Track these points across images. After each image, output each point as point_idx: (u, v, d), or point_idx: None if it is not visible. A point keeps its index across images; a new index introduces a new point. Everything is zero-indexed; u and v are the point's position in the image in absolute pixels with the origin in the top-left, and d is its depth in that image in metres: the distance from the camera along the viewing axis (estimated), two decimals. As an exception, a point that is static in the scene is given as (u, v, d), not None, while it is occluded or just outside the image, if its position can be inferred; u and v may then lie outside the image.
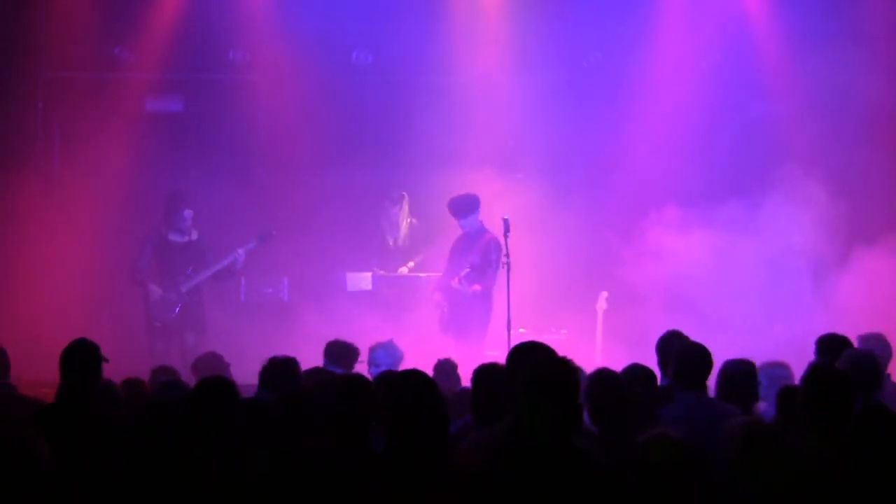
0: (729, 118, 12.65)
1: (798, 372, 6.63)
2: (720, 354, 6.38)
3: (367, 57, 12.76)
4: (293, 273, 12.43)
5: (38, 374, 8.29)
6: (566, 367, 4.45)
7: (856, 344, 7.21)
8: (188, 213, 11.37)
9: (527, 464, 4.12)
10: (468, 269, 10.89)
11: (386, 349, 8.14)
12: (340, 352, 7.66)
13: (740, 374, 6.06)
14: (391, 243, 12.27)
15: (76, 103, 12.42)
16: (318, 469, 3.97)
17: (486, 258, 10.92)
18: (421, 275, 12.15)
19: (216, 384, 5.16)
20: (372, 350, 8.18)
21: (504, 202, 11.26)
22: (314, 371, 6.86)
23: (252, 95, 12.82)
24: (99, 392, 5.89)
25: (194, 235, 11.49)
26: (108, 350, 6.28)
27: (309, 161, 12.55)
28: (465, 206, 11.05)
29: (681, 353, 6.03)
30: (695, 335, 6.58)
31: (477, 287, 10.89)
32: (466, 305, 10.94)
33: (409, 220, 12.28)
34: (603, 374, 5.59)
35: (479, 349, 10.57)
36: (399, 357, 8.08)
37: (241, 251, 11.36)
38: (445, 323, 11.10)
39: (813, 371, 5.36)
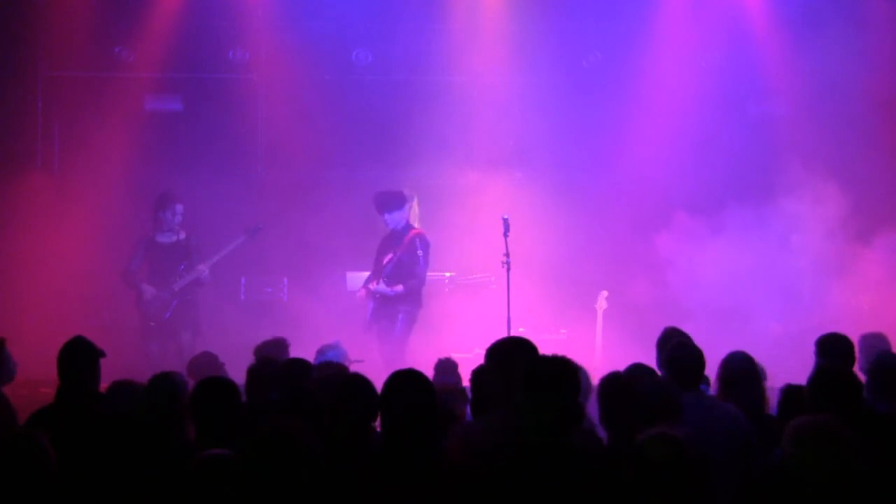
0: (729, 117, 12.65)
1: (800, 371, 6.65)
2: (721, 352, 6.39)
3: (367, 57, 12.75)
4: (293, 273, 12.43)
5: (39, 373, 8.29)
6: (565, 366, 4.45)
7: (856, 344, 7.20)
8: (171, 210, 11.31)
9: (525, 461, 4.12)
10: (391, 267, 10.81)
11: (335, 350, 8.13)
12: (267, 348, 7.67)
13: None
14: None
15: (76, 103, 12.43)
16: (299, 451, 3.97)
17: (413, 256, 10.87)
18: (421, 274, 12.15)
19: (217, 384, 5.16)
20: (321, 351, 8.15)
21: (504, 202, 11.26)
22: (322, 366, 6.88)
23: (252, 95, 12.82)
24: (113, 391, 5.87)
25: (182, 235, 11.44)
26: (108, 350, 6.28)
27: (309, 161, 12.55)
28: (390, 202, 10.95)
29: (671, 354, 6.00)
30: (697, 334, 6.57)
31: (399, 287, 10.83)
32: (391, 306, 10.86)
33: (416, 222, 12.29)
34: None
35: (402, 352, 10.55)
36: (345, 360, 8.06)
37: (202, 267, 11.35)
38: (369, 322, 10.97)
39: (819, 372, 5.35)
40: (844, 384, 5.23)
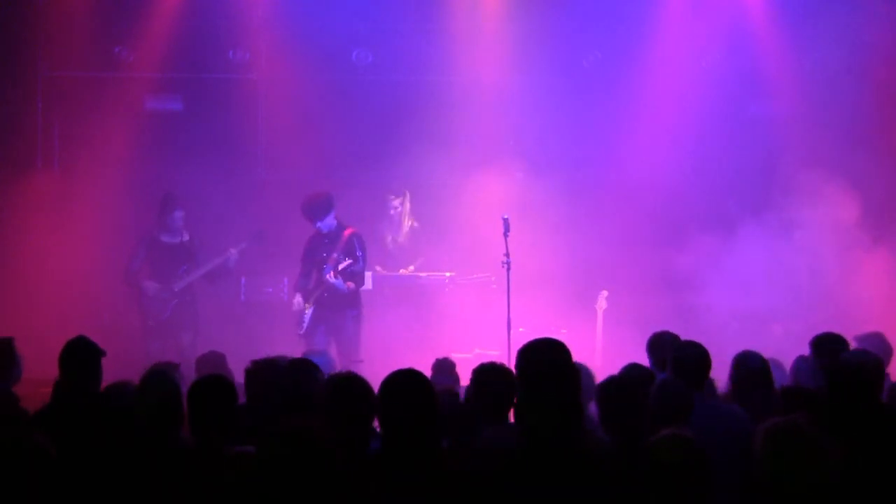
0: (728, 117, 12.65)
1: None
2: (723, 352, 6.39)
3: (367, 57, 12.76)
4: (293, 273, 12.42)
5: (39, 373, 8.29)
6: (566, 366, 4.44)
7: (853, 344, 7.19)
8: (178, 213, 11.36)
9: (533, 462, 4.12)
10: (349, 262, 10.70)
11: (319, 357, 8.07)
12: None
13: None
14: (391, 240, 12.25)
15: (76, 103, 12.43)
16: (309, 446, 3.97)
17: (353, 256, 10.85)
18: (421, 274, 12.15)
19: (214, 382, 5.16)
20: (305, 356, 8.10)
21: (504, 202, 11.26)
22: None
23: (252, 95, 12.82)
24: (108, 391, 5.86)
25: (185, 237, 11.48)
26: (108, 350, 6.28)
27: (309, 161, 12.55)
28: (318, 209, 10.86)
29: (677, 353, 5.99)
30: (697, 334, 6.57)
31: (351, 284, 10.78)
32: (336, 311, 10.85)
33: (410, 219, 12.28)
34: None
35: (358, 353, 10.55)
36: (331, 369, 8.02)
37: (233, 250, 11.33)
38: (307, 329, 10.93)
39: (837, 371, 5.33)
40: (862, 381, 5.21)
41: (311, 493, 3.91)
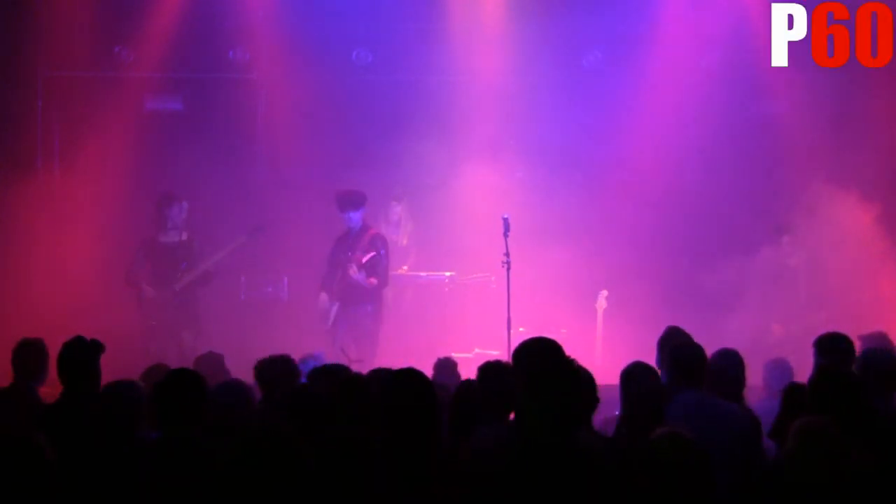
0: (730, 115, 12.62)
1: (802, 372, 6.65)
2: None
3: (367, 57, 12.76)
4: (293, 272, 12.44)
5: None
6: (568, 367, 4.45)
7: (857, 343, 7.18)
8: (175, 209, 11.36)
9: (529, 461, 4.12)
10: (373, 254, 10.92)
11: (316, 361, 8.10)
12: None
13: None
14: (391, 242, 12.25)
15: (76, 103, 12.43)
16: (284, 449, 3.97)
17: (378, 254, 10.99)
18: (421, 274, 12.15)
19: (183, 376, 5.17)
20: (303, 361, 8.12)
21: (504, 202, 11.27)
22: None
23: (252, 95, 12.83)
24: (109, 392, 5.86)
25: (184, 236, 11.47)
26: (108, 350, 6.28)
27: (309, 161, 12.55)
28: (353, 200, 11.11)
29: (674, 352, 6.00)
30: (697, 333, 6.57)
31: (373, 280, 10.96)
32: (358, 306, 10.99)
33: (409, 222, 12.29)
34: None
35: (374, 351, 10.64)
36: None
37: (215, 258, 11.44)
38: (333, 324, 11.05)
39: (819, 373, 5.34)
40: (844, 384, 5.23)
41: (276, 492, 3.91)
